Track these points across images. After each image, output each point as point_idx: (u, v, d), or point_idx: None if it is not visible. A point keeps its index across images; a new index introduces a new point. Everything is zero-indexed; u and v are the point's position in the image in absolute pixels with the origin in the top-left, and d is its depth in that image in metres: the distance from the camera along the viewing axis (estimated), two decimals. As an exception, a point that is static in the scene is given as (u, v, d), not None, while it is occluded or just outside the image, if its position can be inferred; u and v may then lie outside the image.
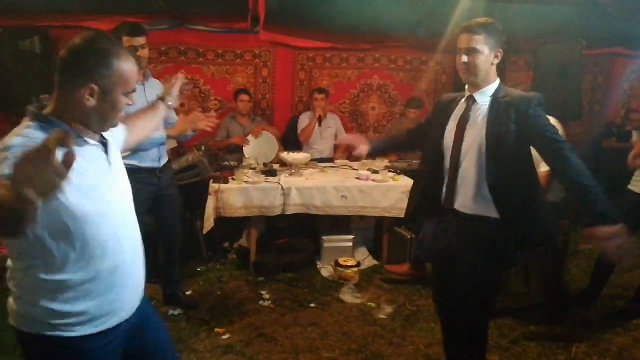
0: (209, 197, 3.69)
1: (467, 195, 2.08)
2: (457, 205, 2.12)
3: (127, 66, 1.36)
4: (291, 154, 4.24)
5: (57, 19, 4.31)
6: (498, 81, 2.12)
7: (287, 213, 3.82)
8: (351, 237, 4.15)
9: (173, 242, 3.22)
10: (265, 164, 4.34)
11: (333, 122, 5.03)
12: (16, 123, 1.34)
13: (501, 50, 2.07)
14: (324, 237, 4.09)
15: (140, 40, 2.79)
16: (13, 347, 2.58)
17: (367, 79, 5.52)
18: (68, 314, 1.33)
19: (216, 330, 3.05)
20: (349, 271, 3.74)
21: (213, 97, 5.15)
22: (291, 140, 4.99)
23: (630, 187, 3.32)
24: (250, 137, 4.61)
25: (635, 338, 3.10)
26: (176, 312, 3.23)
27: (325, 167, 4.47)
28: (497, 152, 1.98)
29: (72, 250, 1.31)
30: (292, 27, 4.64)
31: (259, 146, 4.57)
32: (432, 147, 2.21)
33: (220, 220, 3.74)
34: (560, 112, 2.58)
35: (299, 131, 4.92)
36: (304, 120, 4.95)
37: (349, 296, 3.54)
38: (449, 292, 2.20)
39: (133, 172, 2.79)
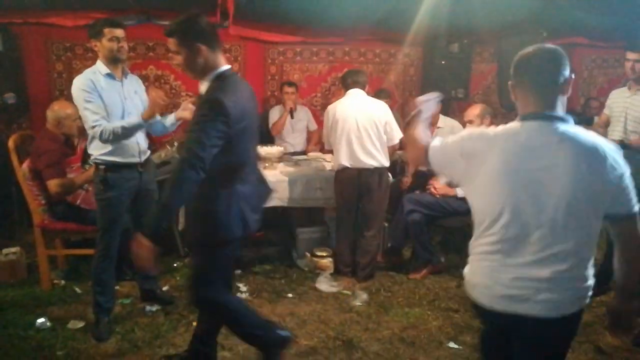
0: (183, 192, 3.68)
1: None
2: None
3: None
4: (264, 147, 4.26)
5: (19, 15, 4.21)
6: None
7: (261, 206, 3.85)
8: (325, 227, 4.22)
9: None
10: (238, 158, 4.35)
11: (304, 115, 5.07)
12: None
13: None
14: (299, 229, 4.14)
15: (121, 32, 2.79)
16: None
17: (338, 72, 5.56)
18: None
19: (194, 324, 3.05)
20: (324, 261, 3.82)
21: (184, 93, 5.11)
22: (263, 134, 5.00)
23: None
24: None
25: (597, 314, 3.25)
26: (154, 308, 3.24)
27: (299, 159, 4.51)
28: None
29: None
30: (261, 21, 4.65)
31: (232, 141, 4.57)
32: None
33: (195, 215, 3.74)
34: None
35: (270, 125, 4.94)
36: (275, 114, 4.98)
37: (324, 285, 3.61)
38: None
39: (112, 170, 2.83)
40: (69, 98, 4.73)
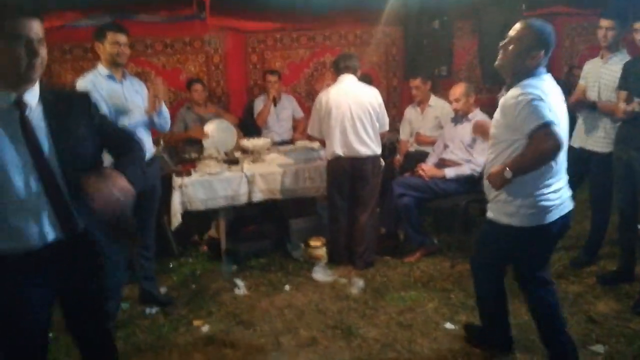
0: (174, 191, 3.68)
1: None
2: None
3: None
4: (251, 140, 4.26)
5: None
6: None
7: (253, 200, 3.87)
8: (318, 217, 4.25)
9: (149, 236, 3.23)
10: (226, 153, 4.35)
11: (288, 103, 5.05)
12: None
13: None
14: (292, 220, 4.16)
15: (124, 38, 2.86)
16: None
17: (320, 57, 5.54)
18: None
19: (195, 323, 3.11)
20: (319, 250, 3.85)
21: (167, 89, 5.05)
22: (249, 125, 4.99)
23: (571, 143, 3.51)
24: (207, 125, 4.56)
25: (588, 285, 3.34)
26: (153, 310, 3.26)
27: (287, 149, 4.51)
28: None
29: None
30: (239, 10, 4.58)
31: (218, 135, 4.55)
32: None
33: (187, 213, 3.76)
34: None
35: (255, 116, 4.92)
36: (259, 104, 4.95)
37: (320, 275, 3.66)
38: None
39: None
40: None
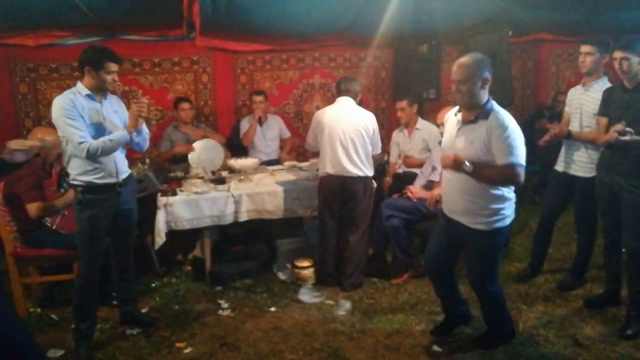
0: (158, 210, 3.63)
1: None
2: None
3: None
4: (238, 160, 4.23)
5: (-20, 36, 4.10)
6: None
7: (239, 220, 3.83)
8: (305, 237, 4.21)
9: (128, 258, 3.16)
10: (213, 172, 4.31)
11: (275, 123, 5.06)
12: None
13: None
14: (278, 241, 4.12)
15: (117, 67, 2.85)
16: None
17: (309, 79, 5.58)
18: None
19: (177, 345, 3.03)
20: (306, 271, 3.80)
21: (153, 107, 5.03)
22: (237, 145, 4.97)
23: (555, 167, 3.55)
24: (195, 144, 4.54)
25: (575, 308, 3.33)
26: (134, 332, 3.18)
27: (274, 169, 4.49)
28: None
29: None
30: (228, 31, 4.61)
31: (205, 154, 4.52)
32: None
33: (171, 233, 3.70)
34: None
35: (241, 136, 4.91)
36: (245, 124, 4.95)
37: (307, 296, 3.60)
38: None
39: (90, 190, 2.79)
40: (35, 120, 4.70)
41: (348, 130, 3.60)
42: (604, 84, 3.25)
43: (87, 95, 2.80)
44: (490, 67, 2.52)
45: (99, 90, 2.83)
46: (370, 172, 3.71)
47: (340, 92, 3.74)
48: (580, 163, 3.36)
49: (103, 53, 2.81)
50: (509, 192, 2.58)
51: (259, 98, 4.83)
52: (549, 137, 3.35)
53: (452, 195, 2.68)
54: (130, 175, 3.06)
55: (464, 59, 2.52)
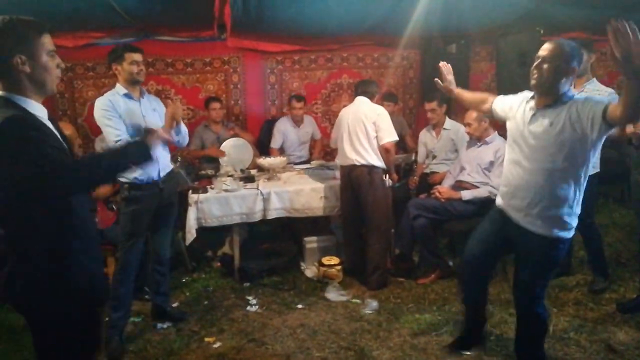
0: (189, 207, 3.71)
1: None
2: None
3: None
4: (267, 158, 4.30)
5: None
6: None
7: (267, 218, 3.88)
8: (332, 236, 4.23)
9: (165, 253, 3.25)
10: (242, 170, 4.38)
11: (310, 126, 5.10)
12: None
13: None
14: (306, 238, 4.15)
15: (139, 56, 2.96)
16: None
17: (337, 79, 5.60)
18: None
19: (206, 339, 3.09)
20: (333, 270, 3.82)
21: (185, 107, 5.15)
22: (266, 144, 5.03)
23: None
24: (225, 143, 4.61)
25: (607, 312, 3.25)
26: (165, 326, 3.26)
27: (302, 169, 4.53)
28: None
29: None
30: (258, 32, 4.67)
31: (235, 153, 4.59)
32: None
33: (201, 229, 3.78)
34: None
35: (275, 136, 4.95)
36: (285, 125, 4.98)
37: (334, 294, 3.62)
38: None
39: (133, 188, 2.89)
40: (72, 118, 4.86)
41: (352, 122, 3.74)
42: (595, 85, 3.25)
43: (125, 95, 2.91)
44: (581, 60, 2.28)
45: (132, 85, 2.93)
46: (375, 162, 3.70)
47: (357, 94, 3.90)
48: None
49: (121, 47, 2.97)
50: (577, 205, 2.33)
51: (299, 104, 4.87)
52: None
53: (519, 190, 2.40)
54: (172, 171, 3.16)
55: (560, 40, 2.27)
